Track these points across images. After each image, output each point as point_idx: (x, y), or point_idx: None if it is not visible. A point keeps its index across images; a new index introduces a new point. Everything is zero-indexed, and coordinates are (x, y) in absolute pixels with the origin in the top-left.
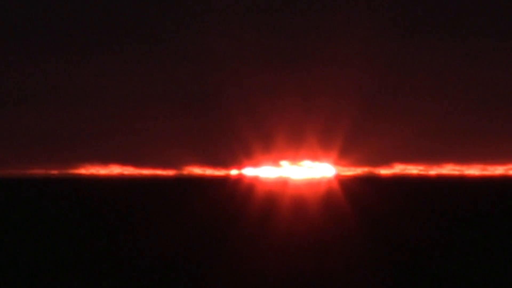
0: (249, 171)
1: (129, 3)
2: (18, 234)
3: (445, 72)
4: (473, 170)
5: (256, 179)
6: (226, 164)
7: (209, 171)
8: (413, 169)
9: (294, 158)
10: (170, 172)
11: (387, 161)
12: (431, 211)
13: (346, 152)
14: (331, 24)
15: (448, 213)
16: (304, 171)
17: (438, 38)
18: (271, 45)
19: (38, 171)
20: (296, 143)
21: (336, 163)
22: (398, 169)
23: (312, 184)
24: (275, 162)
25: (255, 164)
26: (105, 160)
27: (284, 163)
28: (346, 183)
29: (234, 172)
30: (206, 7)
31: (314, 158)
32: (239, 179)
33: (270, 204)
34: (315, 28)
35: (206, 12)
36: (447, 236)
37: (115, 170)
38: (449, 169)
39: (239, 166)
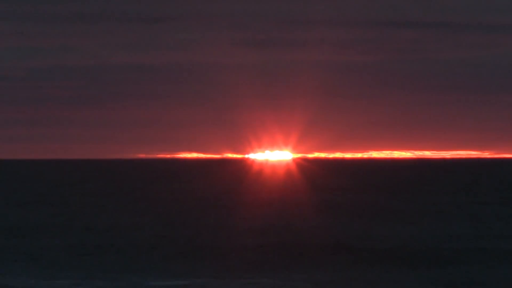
0: (252, 155)
1: None
2: None
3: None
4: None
5: (255, 161)
6: (243, 151)
7: (231, 155)
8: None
9: (270, 147)
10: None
11: (327, 149)
12: (360, 183)
13: (299, 143)
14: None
15: (376, 185)
16: (275, 155)
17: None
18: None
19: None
20: (271, 138)
21: (293, 150)
22: (337, 155)
23: (280, 163)
24: (263, 149)
25: (255, 151)
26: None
27: (266, 150)
28: (300, 163)
29: (248, 155)
30: None
31: (279, 147)
32: (249, 160)
33: (260, 174)
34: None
35: None
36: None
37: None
38: (376, 154)
39: (249, 152)
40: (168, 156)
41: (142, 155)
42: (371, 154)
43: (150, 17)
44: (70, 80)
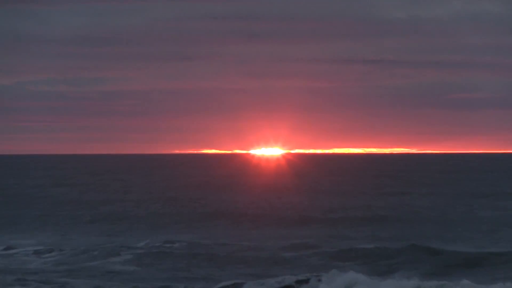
0: (253, 151)
1: None
2: None
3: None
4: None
5: (255, 155)
6: (246, 148)
7: (239, 151)
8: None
9: (265, 145)
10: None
11: (305, 147)
12: (325, 171)
13: (286, 142)
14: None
15: (335, 171)
16: (269, 151)
17: None
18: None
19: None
20: (266, 139)
21: (282, 147)
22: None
23: (272, 157)
24: (260, 147)
25: (255, 148)
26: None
27: (262, 147)
28: (286, 157)
29: (250, 151)
30: None
31: (272, 145)
32: (251, 155)
33: (259, 165)
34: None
35: None
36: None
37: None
38: (338, 150)
39: (251, 149)
40: (195, 151)
41: (176, 151)
42: (334, 150)
43: (184, 56)
44: (128, 100)
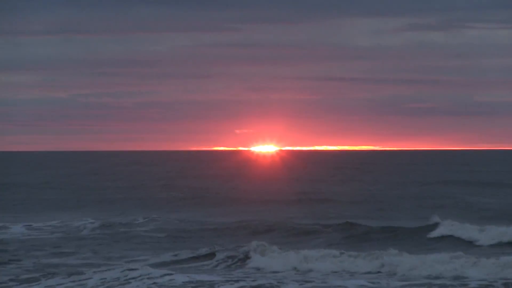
0: (253, 148)
1: None
2: None
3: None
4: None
5: (255, 151)
6: (248, 145)
7: (242, 148)
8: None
9: (263, 143)
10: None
11: (294, 145)
12: (310, 164)
13: (279, 141)
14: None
15: (316, 162)
16: (265, 148)
17: None
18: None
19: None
20: (264, 138)
21: (276, 144)
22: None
23: (268, 153)
24: (259, 144)
25: (255, 145)
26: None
27: (260, 145)
28: (278, 153)
29: (251, 148)
30: None
31: (268, 143)
32: (251, 151)
33: (256, 160)
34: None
35: None
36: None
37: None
38: (319, 148)
39: (251, 146)
40: (207, 148)
41: (193, 148)
42: (315, 148)
43: (198, 75)
44: (156, 108)
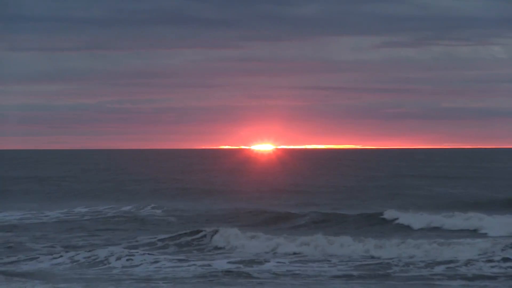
0: (253, 147)
1: None
2: None
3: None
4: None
5: (254, 150)
6: (249, 144)
7: (244, 147)
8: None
9: (261, 142)
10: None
11: (288, 144)
12: (300, 160)
13: (275, 140)
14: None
15: (305, 158)
16: (264, 147)
17: None
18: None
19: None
20: (262, 137)
21: (274, 143)
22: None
23: (266, 151)
24: (258, 143)
25: (254, 144)
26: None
27: (259, 144)
28: (274, 151)
29: (251, 147)
30: None
31: (266, 142)
32: (251, 150)
33: (254, 157)
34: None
35: None
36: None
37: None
38: (309, 147)
39: (251, 145)
40: (214, 147)
41: (203, 146)
42: (306, 146)
43: (207, 85)
44: (170, 113)
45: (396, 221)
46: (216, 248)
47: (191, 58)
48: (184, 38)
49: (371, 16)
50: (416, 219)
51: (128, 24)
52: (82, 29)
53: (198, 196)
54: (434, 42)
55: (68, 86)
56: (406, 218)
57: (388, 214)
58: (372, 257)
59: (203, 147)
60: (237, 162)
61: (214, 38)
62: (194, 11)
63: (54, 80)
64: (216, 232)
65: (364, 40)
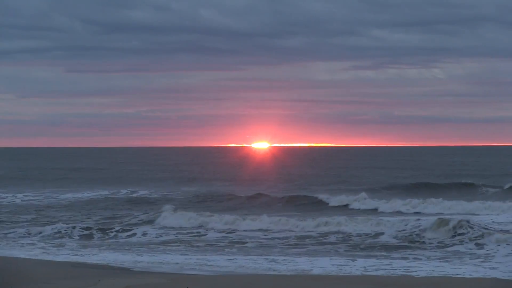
0: (253, 145)
1: None
2: None
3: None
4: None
5: (253, 148)
6: (249, 143)
7: (245, 145)
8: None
9: (260, 141)
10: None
11: (281, 142)
12: (290, 157)
13: (271, 139)
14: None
15: (294, 154)
16: (261, 145)
17: None
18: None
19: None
20: (260, 137)
21: (269, 142)
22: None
23: (263, 149)
24: (257, 142)
25: (253, 143)
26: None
27: (257, 142)
28: (270, 149)
29: (251, 145)
30: None
31: (263, 141)
32: (251, 148)
33: (254, 155)
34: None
35: None
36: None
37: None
38: (296, 145)
39: (251, 143)
40: (223, 145)
41: (214, 144)
42: (293, 144)
43: (217, 98)
44: (190, 120)
45: (327, 201)
46: (163, 227)
47: (206, 78)
48: (201, 63)
49: (341, 46)
50: (335, 200)
51: (159, 53)
52: (124, 56)
53: (207, 182)
54: (389, 66)
55: (113, 99)
56: (333, 199)
57: (322, 196)
58: (291, 231)
59: (215, 145)
60: (239, 157)
61: (224, 63)
62: (209, 42)
63: (103, 95)
64: (166, 210)
65: (336, 64)
